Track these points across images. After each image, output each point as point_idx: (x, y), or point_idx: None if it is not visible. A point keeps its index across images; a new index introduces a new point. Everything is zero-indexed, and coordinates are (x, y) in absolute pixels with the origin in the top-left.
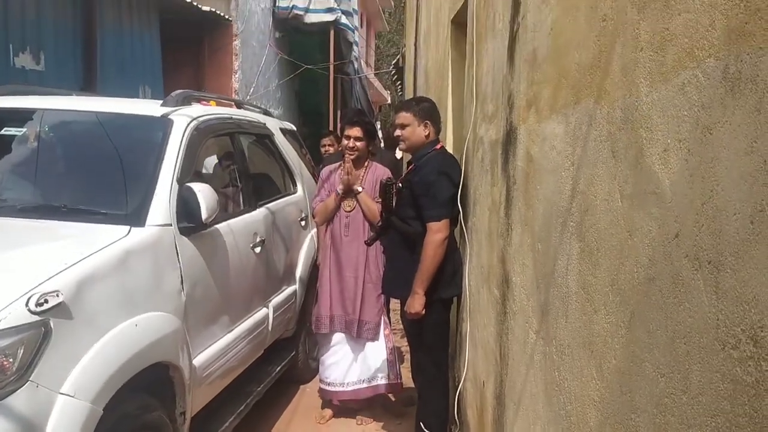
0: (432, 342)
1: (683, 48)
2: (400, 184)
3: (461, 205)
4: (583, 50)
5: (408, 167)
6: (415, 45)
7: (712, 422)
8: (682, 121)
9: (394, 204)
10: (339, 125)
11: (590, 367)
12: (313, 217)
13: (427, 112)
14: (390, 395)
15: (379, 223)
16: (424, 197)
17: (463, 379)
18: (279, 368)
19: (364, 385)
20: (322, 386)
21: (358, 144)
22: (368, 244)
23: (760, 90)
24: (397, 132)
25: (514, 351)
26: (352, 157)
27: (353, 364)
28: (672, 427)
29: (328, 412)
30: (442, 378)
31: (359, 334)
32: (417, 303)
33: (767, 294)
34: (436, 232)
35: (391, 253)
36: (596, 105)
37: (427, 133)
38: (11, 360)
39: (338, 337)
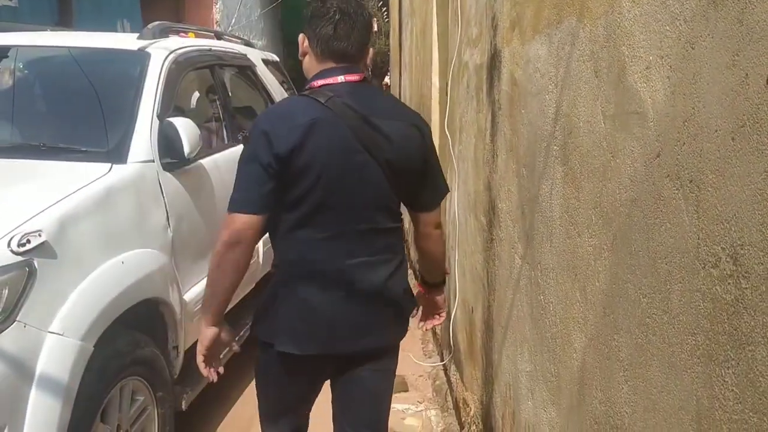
0: None
1: None
2: None
3: (448, 132)
4: None
5: None
6: None
7: (693, 340)
8: (664, 36)
9: None
10: None
11: (574, 290)
12: None
13: None
14: None
15: None
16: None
17: (455, 305)
18: None
19: None
20: None
21: None
22: None
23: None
24: None
25: (500, 276)
26: None
27: None
28: (653, 345)
29: None
30: None
31: None
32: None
33: (747, 211)
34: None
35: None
36: (579, 23)
37: None
38: None
39: None
